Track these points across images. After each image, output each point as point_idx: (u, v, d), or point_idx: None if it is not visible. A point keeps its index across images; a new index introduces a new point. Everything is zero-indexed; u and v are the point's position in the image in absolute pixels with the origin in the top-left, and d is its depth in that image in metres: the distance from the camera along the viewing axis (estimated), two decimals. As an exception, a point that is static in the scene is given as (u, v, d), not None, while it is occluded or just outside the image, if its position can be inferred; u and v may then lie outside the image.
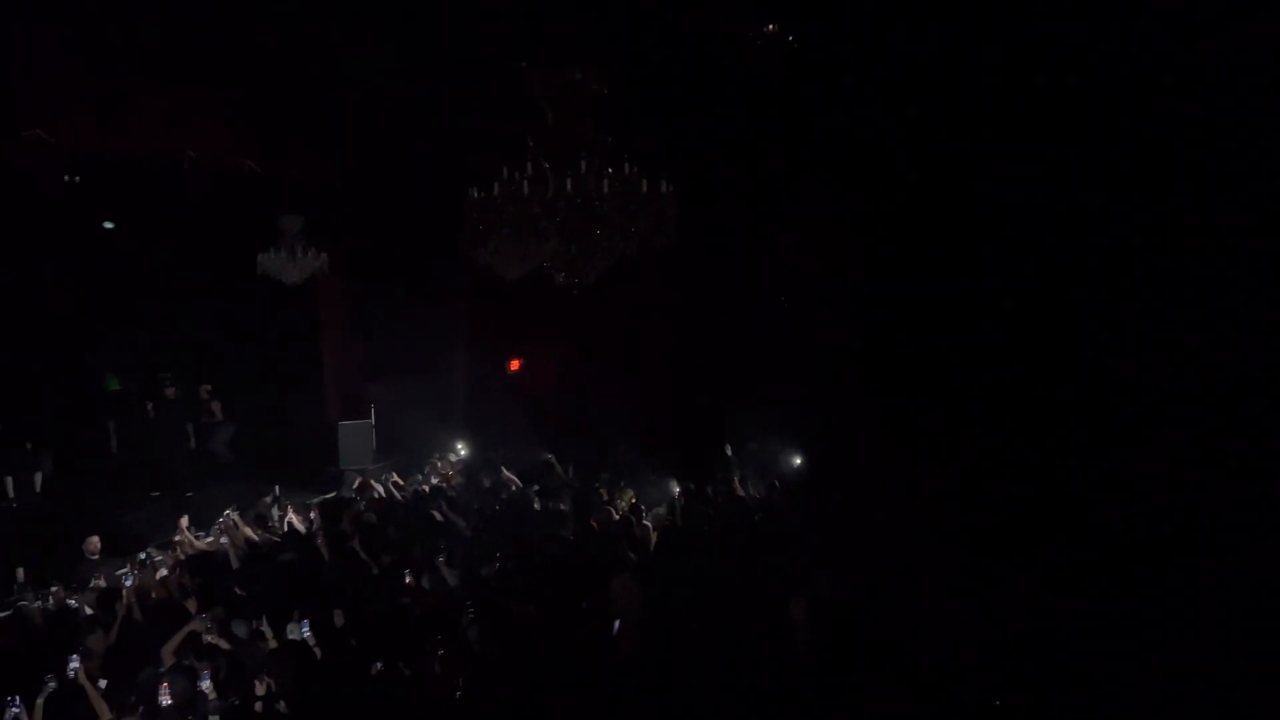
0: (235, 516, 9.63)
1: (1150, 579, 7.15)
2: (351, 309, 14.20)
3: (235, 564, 8.60)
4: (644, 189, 7.03)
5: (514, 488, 10.95)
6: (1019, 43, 9.49)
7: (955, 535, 8.71)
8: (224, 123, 10.86)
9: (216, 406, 13.69)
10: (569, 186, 6.69)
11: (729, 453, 11.42)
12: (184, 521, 9.49)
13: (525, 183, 6.78)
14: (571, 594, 7.36)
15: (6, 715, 5.66)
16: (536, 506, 10.07)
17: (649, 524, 9.48)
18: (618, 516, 9.53)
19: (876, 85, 10.80)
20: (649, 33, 8.73)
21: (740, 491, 10.37)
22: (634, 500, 9.86)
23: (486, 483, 11.28)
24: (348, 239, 13.69)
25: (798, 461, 11.86)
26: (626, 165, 7.06)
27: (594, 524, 9.22)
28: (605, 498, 10.23)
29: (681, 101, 10.72)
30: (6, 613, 8.34)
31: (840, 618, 6.49)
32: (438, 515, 9.67)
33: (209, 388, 13.70)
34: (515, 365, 15.63)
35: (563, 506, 10.08)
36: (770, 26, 9.16)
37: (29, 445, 11.45)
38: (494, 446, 12.89)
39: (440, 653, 6.27)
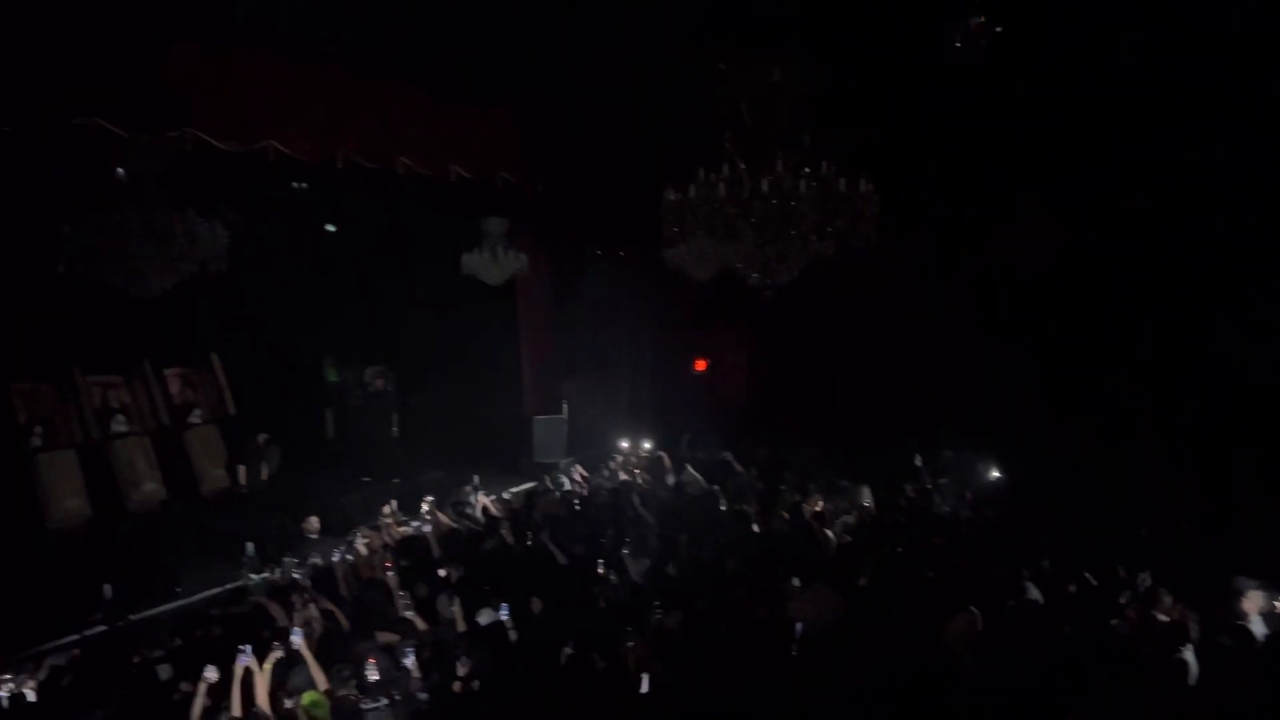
0: (432, 505, 10.21)
1: None
2: (548, 308, 14.67)
3: (436, 550, 9.06)
4: (842, 188, 6.90)
5: (699, 486, 11.02)
6: (1243, 37, 8.70)
7: (1169, 547, 8.16)
8: (437, 131, 11.43)
9: (381, 382, 14.33)
10: (765, 187, 6.65)
11: (918, 463, 11.07)
12: (387, 508, 10.10)
13: (721, 184, 6.79)
14: (755, 595, 7.32)
15: (238, 661, 6.17)
16: (723, 506, 10.10)
17: (832, 532, 9.30)
18: (803, 520, 9.40)
19: (1088, 79, 10.17)
20: (850, 29, 8.54)
21: (934, 501, 10.03)
22: (820, 506, 9.69)
23: (671, 480, 11.41)
24: (547, 241, 14.15)
25: (994, 473, 11.35)
26: (824, 164, 6.95)
27: (778, 527, 9.15)
28: (791, 501, 10.12)
29: (883, 98, 10.44)
30: (237, 584, 9.16)
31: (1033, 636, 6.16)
32: (633, 509, 9.86)
33: (379, 368, 14.36)
34: (702, 365, 15.69)
35: (748, 508, 10.07)
36: (977, 19, 8.76)
37: (262, 438, 12.34)
38: (682, 445, 13.03)
39: (631, 645, 6.36)
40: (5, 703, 6.56)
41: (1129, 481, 10.83)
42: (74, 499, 11.34)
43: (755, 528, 9.43)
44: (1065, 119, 10.67)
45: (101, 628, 8.21)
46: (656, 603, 7.07)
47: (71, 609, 8.46)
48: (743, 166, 6.82)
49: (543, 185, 13.20)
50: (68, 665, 7.21)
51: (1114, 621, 6.59)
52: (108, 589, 8.38)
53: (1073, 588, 7.34)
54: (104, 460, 11.92)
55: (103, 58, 8.07)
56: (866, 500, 10.25)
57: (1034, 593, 7.11)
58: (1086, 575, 7.49)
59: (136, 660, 7.17)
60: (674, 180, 7.13)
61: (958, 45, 9.39)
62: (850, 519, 9.76)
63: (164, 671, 6.81)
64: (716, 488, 10.73)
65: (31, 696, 6.74)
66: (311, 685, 6.39)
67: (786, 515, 9.77)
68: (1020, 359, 12.10)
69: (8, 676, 6.81)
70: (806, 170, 6.82)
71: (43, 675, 7.05)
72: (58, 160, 9.93)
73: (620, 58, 9.50)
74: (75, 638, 8.10)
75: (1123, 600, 7.06)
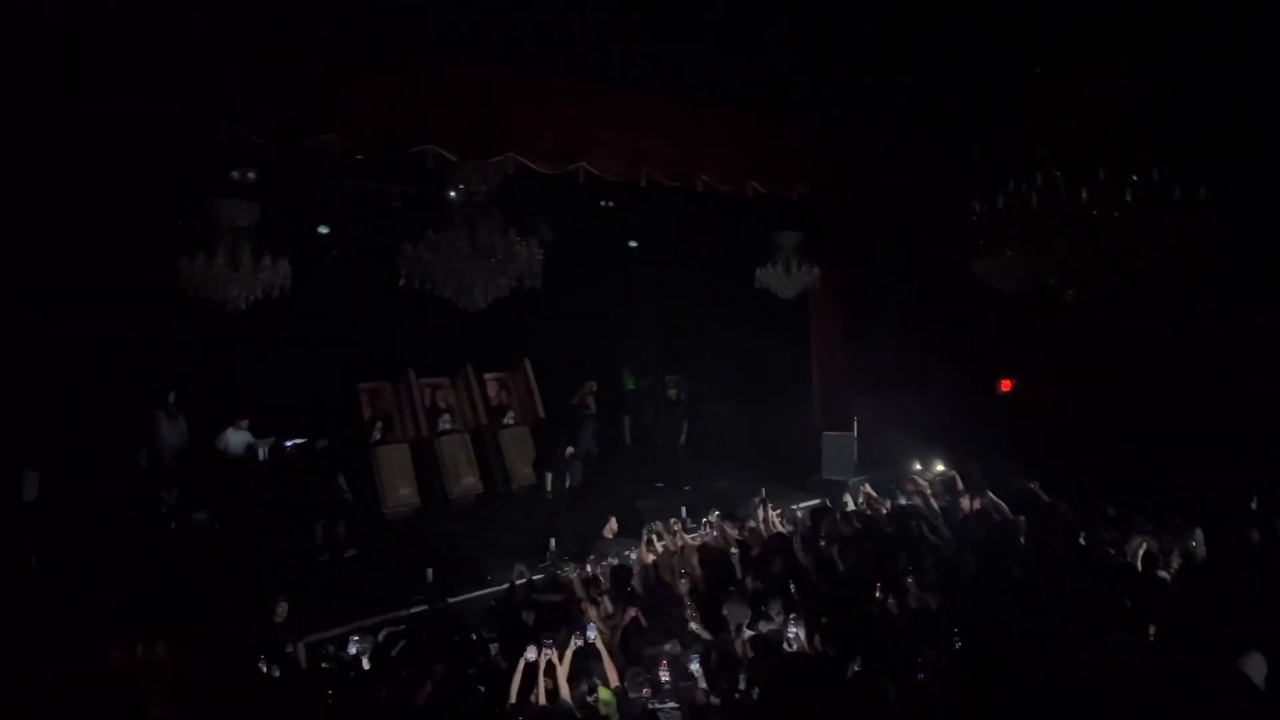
0: (714, 519, 10.35)
1: None
2: (842, 322, 14.45)
3: (728, 560, 9.16)
4: (1176, 195, 6.22)
5: (1000, 514, 10.35)
6: None
7: None
8: (735, 149, 11.63)
9: (591, 400, 14.55)
10: (1084, 196, 6.13)
11: (1254, 505, 9.72)
12: (674, 522, 10.34)
13: (1034, 194, 6.34)
14: (1060, 641, 6.73)
15: (541, 653, 6.57)
16: (1023, 540, 9.41)
17: (1165, 575, 8.35)
18: (1125, 560, 8.54)
19: None
20: (1191, 20, 7.68)
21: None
22: (1145, 547, 8.73)
23: (968, 505, 10.81)
24: (841, 253, 13.96)
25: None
26: (1155, 171, 6.30)
27: (1092, 567, 8.36)
28: (1109, 537, 9.22)
29: (1226, 97, 9.30)
30: (540, 577, 9.79)
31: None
32: (922, 533, 9.49)
33: (593, 385, 14.59)
34: (1006, 386, 14.73)
35: (1054, 542, 9.31)
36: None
37: (568, 451, 12.85)
38: (973, 470, 12.34)
39: (920, 674, 6.11)
40: (350, 658, 7.46)
41: None
42: (405, 488, 12.69)
43: (1062, 564, 8.69)
44: None
45: (423, 607, 9.07)
46: (952, 630, 6.74)
47: (400, 588, 9.44)
48: (1058, 174, 6.32)
49: (839, 198, 13.03)
50: (397, 638, 8.03)
51: None
52: (430, 572, 9.25)
53: None
54: (431, 454, 13.25)
55: (438, 90, 8.98)
56: (1197, 542, 9.12)
57: None
58: None
59: (456, 639, 7.86)
60: (981, 191, 6.76)
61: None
62: (1175, 562, 8.75)
63: (486, 651, 7.42)
64: (1022, 518, 10.02)
65: (365, 663, 7.60)
66: (604, 680, 6.69)
67: (1113, 553, 8.94)
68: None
69: (356, 638, 7.75)
70: (1134, 178, 6.21)
71: (375, 644, 7.92)
72: (397, 184, 11.24)
73: (921, 67, 9.15)
74: (403, 613, 9.02)
75: None
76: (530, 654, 6.57)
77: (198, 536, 10.10)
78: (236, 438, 11.25)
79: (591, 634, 6.97)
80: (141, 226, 10.21)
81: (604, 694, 6.52)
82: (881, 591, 7.81)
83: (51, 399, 9.44)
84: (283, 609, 8.05)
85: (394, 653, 7.58)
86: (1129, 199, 6.12)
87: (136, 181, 9.73)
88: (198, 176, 9.86)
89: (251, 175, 10.16)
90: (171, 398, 11.06)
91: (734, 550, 9.33)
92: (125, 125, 7.65)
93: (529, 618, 7.84)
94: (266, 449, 11.23)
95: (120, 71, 7.12)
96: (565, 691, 6.46)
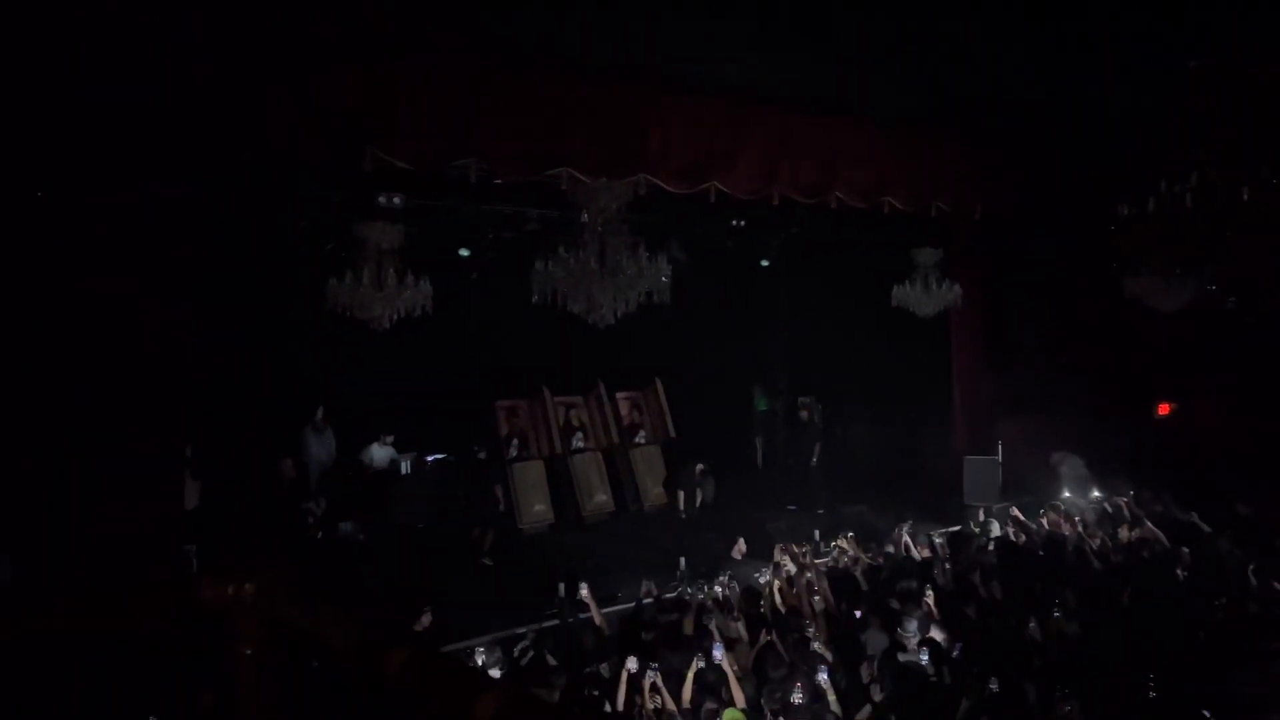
0: (846, 543, 10.09)
1: None
2: (984, 342, 13.92)
3: (864, 585, 8.93)
4: (1352, 194, 5.71)
5: (1159, 546, 9.72)
6: None
7: None
8: (870, 164, 11.39)
9: (807, 413, 14.26)
10: (1245, 196, 5.68)
11: None
12: (805, 544, 10.12)
13: (1188, 195, 5.93)
14: (1215, 680, 6.26)
15: (645, 672, 6.58)
16: (1181, 573, 8.79)
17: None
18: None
19: None
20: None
21: None
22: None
23: (1126, 535, 10.21)
24: (983, 270, 13.48)
25: None
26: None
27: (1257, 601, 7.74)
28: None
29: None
30: (672, 595, 9.74)
31: None
32: (1071, 563, 9.02)
33: (808, 399, 14.37)
34: (1165, 410, 13.84)
35: (1214, 579, 8.67)
36: None
37: (699, 468, 12.85)
38: (1129, 499, 11.64)
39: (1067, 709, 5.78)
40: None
41: None
42: (540, 504, 12.91)
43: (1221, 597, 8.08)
44: None
45: (554, 621, 9.16)
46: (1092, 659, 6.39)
47: (534, 601, 9.58)
48: (1215, 175, 5.89)
49: (980, 213, 12.57)
50: (527, 649, 8.13)
51: None
52: (561, 587, 9.34)
53: None
54: (565, 471, 13.44)
55: (573, 111, 9.17)
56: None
57: None
58: None
59: (581, 652, 7.90)
60: (1131, 196, 6.38)
61: None
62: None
63: (606, 668, 7.44)
64: (1187, 550, 9.36)
65: (495, 672, 7.71)
66: (731, 701, 6.59)
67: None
68: None
69: (482, 650, 7.89)
70: (1300, 176, 5.73)
71: (509, 656, 8.04)
72: (535, 207, 11.53)
73: (1065, 69, 8.75)
74: (535, 627, 9.13)
75: None
76: (631, 665, 6.56)
77: (344, 546, 10.54)
78: (380, 452, 11.71)
79: (719, 654, 6.88)
80: (295, 250, 10.84)
81: (730, 714, 6.41)
82: (1025, 618, 7.46)
83: (212, 414, 10.05)
84: (426, 618, 8.28)
85: (523, 663, 7.68)
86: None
87: (291, 207, 10.35)
88: (347, 202, 10.41)
89: (397, 200, 10.65)
90: (320, 414, 11.61)
91: (863, 573, 9.07)
92: (278, 156, 8.13)
93: (648, 635, 7.80)
94: (409, 463, 11.65)
95: (274, 105, 7.59)
96: (673, 706, 6.42)
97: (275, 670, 2.11)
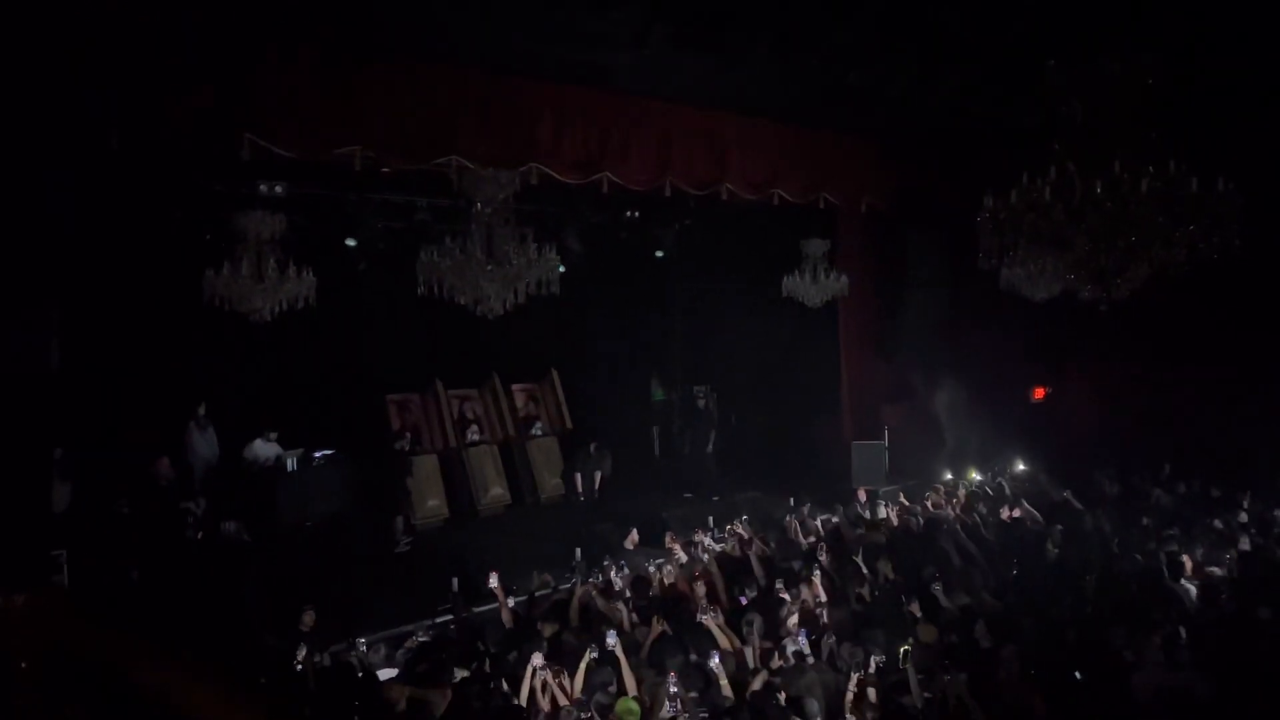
0: (741, 527, 10.27)
1: None
2: (871, 331, 14.31)
3: (758, 570, 9.06)
4: (1194, 188, 6.06)
5: (1029, 524, 10.18)
6: None
7: None
8: (759, 157, 11.60)
9: (703, 402, 14.80)
10: (1098, 189, 5.99)
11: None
12: (698, 531, 10.26)
13: (1048, 188, 6.22)
14: (1083, 660, 6.59)
15: (588, 653, 6.72)
16: (1053, 549, 9.21)
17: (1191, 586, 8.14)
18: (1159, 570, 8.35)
19: None
20: (1210, 12, 7.52)
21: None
22: (1183, 557, 8.52)
23: (1006, 514, 10.65)
24: (869, 261, 13.83)
25: None
26: (1172, 163, 6.15)
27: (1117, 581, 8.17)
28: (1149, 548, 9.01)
29: (1243, 87, 9.07)
30: (566, 586, 9.73)
31: None
32: (949, 543, 9.35)
33: (703, 388, 14.80)
34: (1039, 394, 14.50)
35: (1088, 554, 9.11)
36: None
37: (593, 445, 13.14)
38: (998, 479, 12.21)
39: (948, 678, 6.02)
40: (358, 664, 7.47)
41: None
42: (434, 499, 12.73)
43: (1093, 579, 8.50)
44: None
45: (448, 617, 9.05)
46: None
47: (427, 598, 9.44)
48: (1072, 168, 6.19)
49: (865, 206, 12.94)
50: (422, 646, 8.01)
51: None
52: (455, 582, 9.23)
53: None
54: (460, 465, 13.28)
55: (462, 101, 9.05)
56: (1232, 554, 8.87)
57: None
58: None
59: (479, 648, 7.82)
60: (996, 189, 6.65)
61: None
62: (1220, 572, 8.53)
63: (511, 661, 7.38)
64: (1059, 528, 9.79)
65: (387, 671, 7.58)
66: (622, 689, 6.62)
67: (1139, 559, 8.76)
68: None
69: (362, 641, 7.77)
70: (1150, 169, 6.06)
71: (404, 653, 7.91)
72: (423, 197, 11.35)
73: (941, 67, 9.04)
74: (428, 623, 9.00)
75: None
76: (536, 660, 6.57)
77: (226, 547, 10.18)
78: (265, 449, 11.35)
79: (611, 642, 6.90)
80: (170, 240, 10.40)
81: (625, 703, 6.43)
82: (909, 596, 7.73)
83: (82, 411, 9.59)
84: (309, 617, 8.08)
85: (419, 669, 7.55)
86: (1145, 191, 5.99)
87: (164, 195, 9.93)
88: (224, 190, 10.05)
89: (279, 188, 10.33)
90: (202, 409, 11.20)
91: (756, 558, 9.22)
92: (152, 139, 7.80)
93: (544, 628, 7.78)
94: (295, 460, 11.32)
95: (145, 80, 7.26)
96: (565, 700, 6.44)
97: (56, 685, 2.01)
